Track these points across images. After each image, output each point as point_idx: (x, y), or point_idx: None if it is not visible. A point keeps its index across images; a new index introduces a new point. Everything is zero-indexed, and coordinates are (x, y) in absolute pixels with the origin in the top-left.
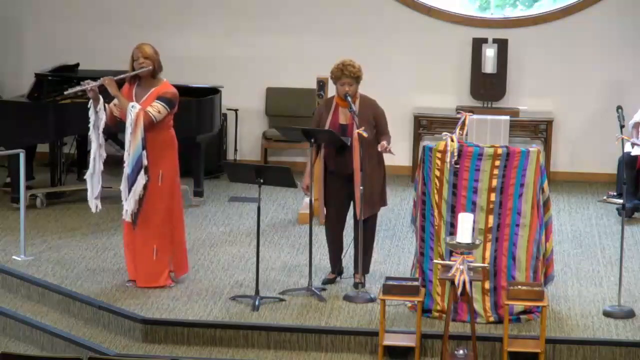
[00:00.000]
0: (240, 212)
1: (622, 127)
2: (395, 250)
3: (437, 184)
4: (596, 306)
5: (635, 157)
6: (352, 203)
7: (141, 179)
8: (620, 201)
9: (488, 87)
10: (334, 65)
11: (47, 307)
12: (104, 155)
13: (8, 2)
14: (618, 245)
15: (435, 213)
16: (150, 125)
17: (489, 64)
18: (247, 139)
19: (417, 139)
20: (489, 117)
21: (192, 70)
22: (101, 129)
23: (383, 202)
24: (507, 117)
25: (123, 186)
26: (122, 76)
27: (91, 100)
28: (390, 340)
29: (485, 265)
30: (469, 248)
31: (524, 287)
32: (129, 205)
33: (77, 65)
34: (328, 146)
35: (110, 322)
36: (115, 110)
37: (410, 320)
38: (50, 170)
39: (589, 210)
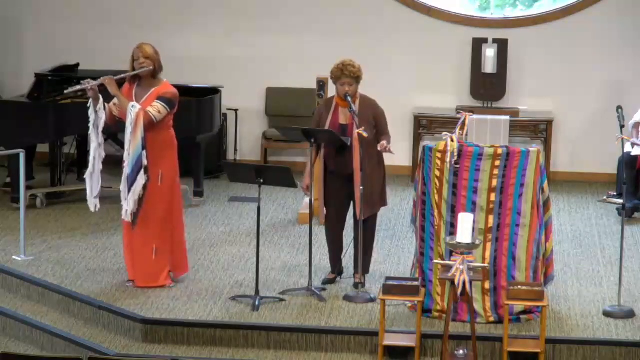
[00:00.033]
0: (240, 212)
1: (622, 127)
2: (395, 250)
3: (437, 184)
4: (596, 306)
5: (635, 157)
6: (352, 203)
7: (141, 179)
8: (620, 201)
9: (488, 87)
10: (334, 65)
11: (47, 307)
12: (104, 154)
13: (8, 2)
14: (618, 245)
15: (435, 213)
16: (150, 125)
17: (489, 64)
18: (247, 139)
19: (417, 139)
20: (489, 117)
21: (192, 70)
22: (101, 129)
23: (383, 202)
24: (507, 117)
25: (123, 186)
26: (122, 76)
27: (91, 100)
28: (390, 340)
29: (485, 265)
30: (469, 248)
31: (524, 287)
32: (128, 205)
33: (77, 65)
34: (328, 146)
35: (110, 322)
36: (115, 110)
37: (410, 320)
38: (50, 170)
39: (589, 210)
